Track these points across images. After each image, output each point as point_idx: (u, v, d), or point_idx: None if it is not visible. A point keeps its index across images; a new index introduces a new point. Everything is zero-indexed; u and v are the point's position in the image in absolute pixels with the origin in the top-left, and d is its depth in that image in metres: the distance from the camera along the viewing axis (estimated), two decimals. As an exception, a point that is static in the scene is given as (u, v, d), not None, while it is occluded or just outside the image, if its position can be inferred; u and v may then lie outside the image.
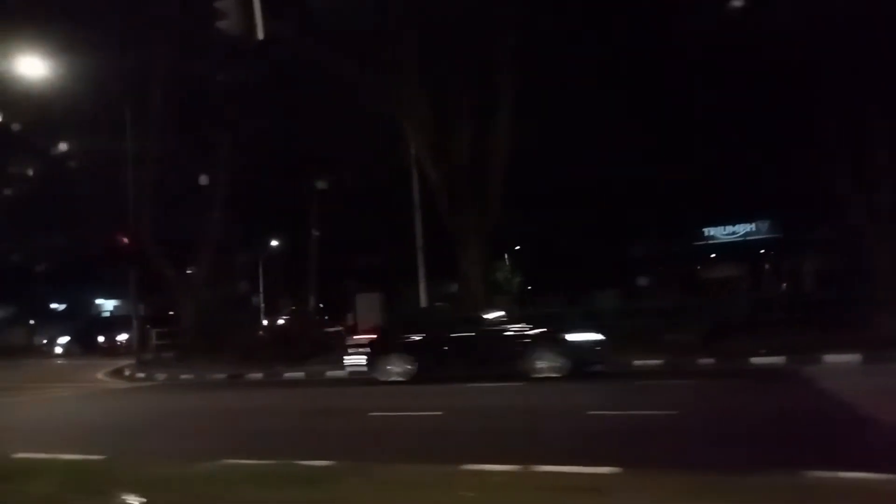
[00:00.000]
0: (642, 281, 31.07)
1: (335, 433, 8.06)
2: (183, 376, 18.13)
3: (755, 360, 13.20)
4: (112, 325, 29.12)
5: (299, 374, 16.31)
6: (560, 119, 20.21)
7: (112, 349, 26.65)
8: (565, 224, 28.13)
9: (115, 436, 8.70)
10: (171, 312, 26.00)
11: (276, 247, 24.33)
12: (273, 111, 19.84)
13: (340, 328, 20.39)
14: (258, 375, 16.76)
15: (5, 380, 19.00)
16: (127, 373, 19.93)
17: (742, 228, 33.92)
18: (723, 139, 26.84)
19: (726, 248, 34.08)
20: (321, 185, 22.09)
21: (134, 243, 20.70)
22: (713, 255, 34.71)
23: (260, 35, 12.99)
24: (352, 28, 17.12)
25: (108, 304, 45.02)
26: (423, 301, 16.43)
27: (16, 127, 22.25)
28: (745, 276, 33.28)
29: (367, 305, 18.05)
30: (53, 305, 45.63)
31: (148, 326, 24.17)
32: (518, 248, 33.43)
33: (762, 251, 33.58)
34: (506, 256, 35.13)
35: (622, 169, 26.74)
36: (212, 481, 4.63)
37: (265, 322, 23.63)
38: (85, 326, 33.23)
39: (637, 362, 14.02)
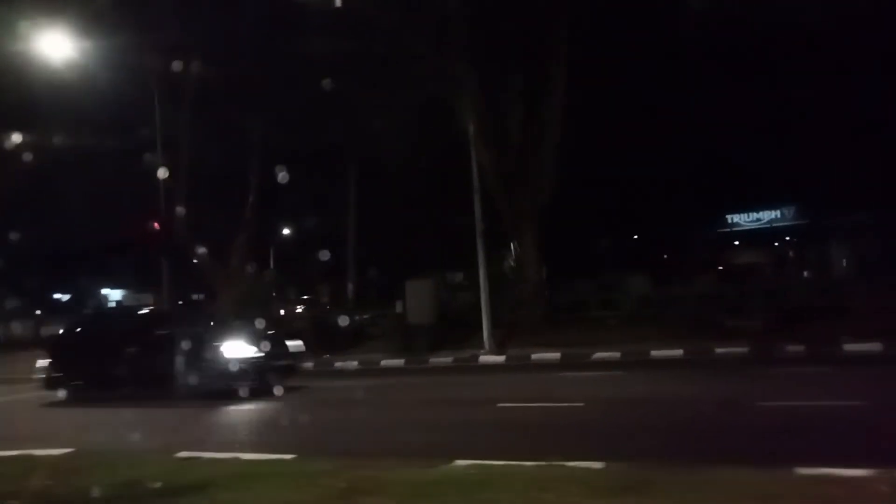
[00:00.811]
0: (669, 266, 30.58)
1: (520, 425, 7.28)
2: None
3: (849, 346, 12.68)
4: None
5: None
6: (595, 102, 19.75)
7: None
8: (589, 208, 27.57)
9: (278, 432, 8.06)
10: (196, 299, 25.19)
11: (314, 233, 23.55)
12: (313, 94, 19.00)
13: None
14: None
15: (21, 371, 18.18)
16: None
17: (767, 215, 33.51)
18: (749, 125, 26.66)
19: (750, 236, 33.69)
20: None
21: (165, 230, 19.89)
22: (737, 242, 34.31)
23: (338, 1, 12.37)
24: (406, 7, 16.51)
25: (113, 295, 43.92)
26: (483, 288, 15.75)
27: (34, 111, 21.38)
28: (769, 263, 32.90)
29: (418, 293, 17.35)
30: (57, 296, 44.45)
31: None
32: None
33: (787, 238, 33.22)
34: (512, 245, 34.64)
35: (648, 154, 26.48)
36: (484, 485, 3.89)
37: (298, 309, 22.81)
38: (92, 318, 32.17)
39: (719, 350, 13.49)
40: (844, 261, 28.90)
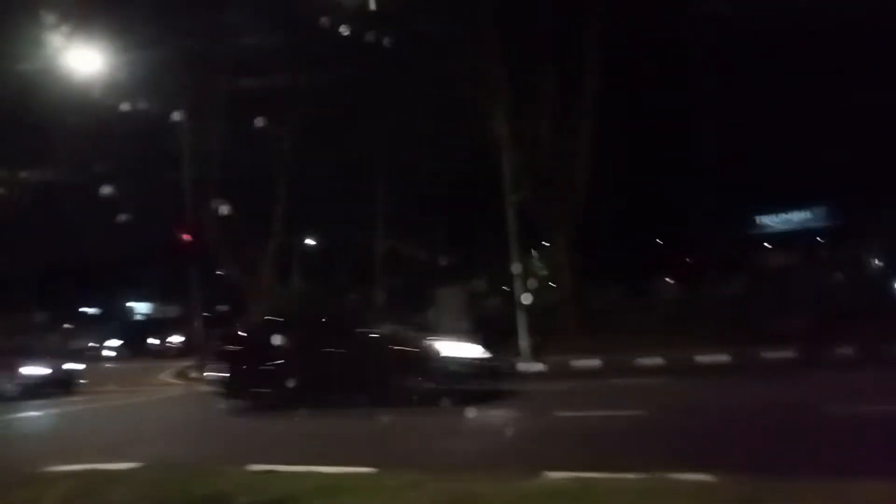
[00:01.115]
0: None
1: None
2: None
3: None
4: (163, 327, 28.28)
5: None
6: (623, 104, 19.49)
7: (164, 352, 25.81)
8: (617, 211, 27.27)
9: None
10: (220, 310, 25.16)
11: (342, 240, 23.47)
12: (340, 100, 18.95)
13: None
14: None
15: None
16: (193, 375, 19.16)
17: (797, 216, 32.93)
18: (779, 124, 26.22)
19: (780, 237, 33.08)
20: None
21: (196, 241, 19.87)
22: (766, 244, 33.70)
23: (373, 5, 12.25)
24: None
25: (140, 307, 44.23)
26: (518, 294, 15.49)
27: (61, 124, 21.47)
28: (801, 265, 32.25)
29: (450, 301, 17.14)
30: (83, 309, 44.80)
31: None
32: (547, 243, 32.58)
33: (818, 239, 32.58)
34: (532, 251, 34.35)
35: (675, 155, 26.15)
36: (590, 500, 3.60)
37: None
38: (134, 329, 32.41)
39: (766, 354, 13.11)
40: (877, 261, 28.27)
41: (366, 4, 12.12)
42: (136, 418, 11.97)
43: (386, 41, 16.76)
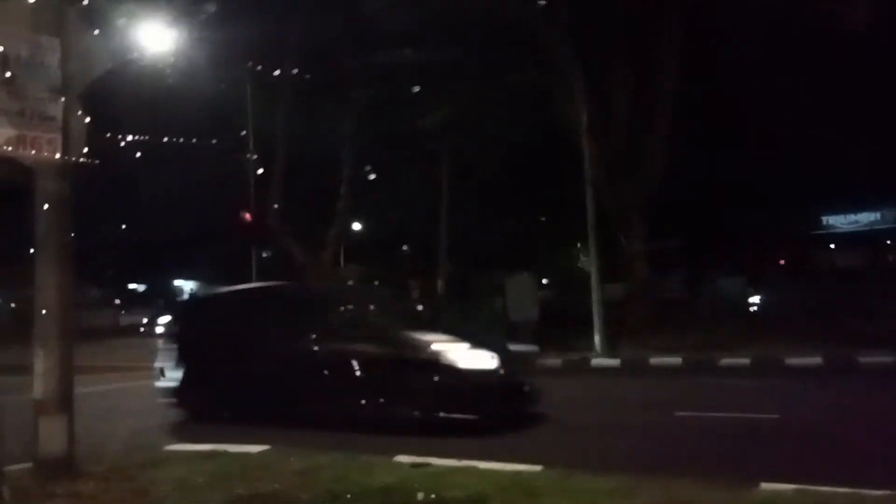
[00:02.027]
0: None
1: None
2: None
3: None
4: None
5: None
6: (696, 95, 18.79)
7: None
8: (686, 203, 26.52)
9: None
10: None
11: (403, 226, 23.18)
12: (408, 84, 18.54)
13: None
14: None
15: (127, 359, 18.19)
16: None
17: (865, 217, 31.77)
18: (848, 123, 25.18)
19: (847, 238, 31.96)
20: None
21: (258, 221, 19.74)
22: (832, 245, 32.60)
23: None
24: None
25: (186, 286, 44.59)
26: (595, 286, 14.94)
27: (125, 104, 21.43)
28: (876, 266, 31.12)
29: (520, 289, 16.67)
30: (133, 286, 45.35)
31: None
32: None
33: (888, 241, 31.40)
34: (578, 245, 33.71)
35: (743, 151, 25.38)
36: None
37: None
38: (185, 306, 32.52)
39: (865, 359, 12.39)
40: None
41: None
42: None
43: (452, 27, 16.39)
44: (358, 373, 7.40)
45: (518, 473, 4.49)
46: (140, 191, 32.18)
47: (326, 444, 5.87)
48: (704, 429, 7.06)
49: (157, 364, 9.24)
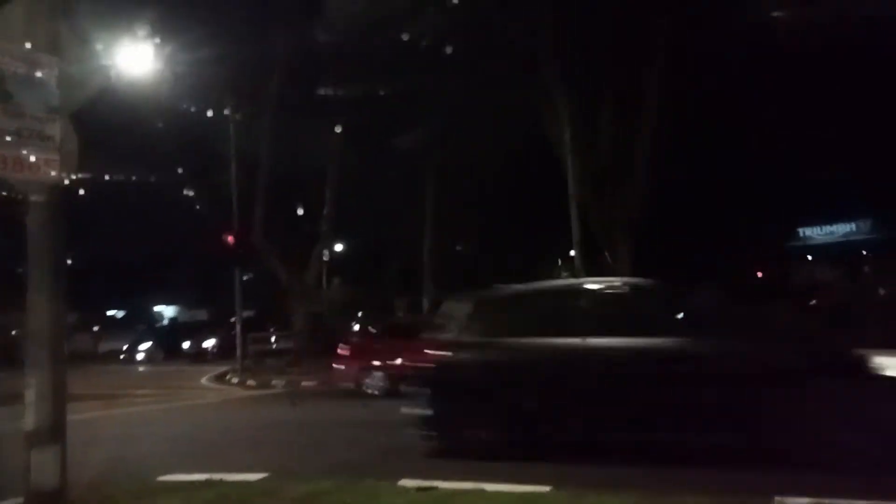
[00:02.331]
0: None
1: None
2: (305, 383, 16.81)
3: None
4: (197, 330, 27.93)
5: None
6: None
7: (199, 355, 25.41)
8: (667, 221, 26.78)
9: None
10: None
11: (390, 243, 23.09)
12: (392, 102, 18.58)
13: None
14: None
15: (109, 386, 17.82)
16: (234, 379, 18.74)
17: (841, 228, 32.25)
18: (822, 136, 25.66)
19: (823, 249, 32.41)
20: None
21: (241, 243, 19.55)
22: (809, 257, 33.02)
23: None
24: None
25: (168, 311, 43.98)
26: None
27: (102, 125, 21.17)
28: (842, 279, 31.53)
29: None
30: (111, 312, 44.59)
31: (233, 332, 22.83)
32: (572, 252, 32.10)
33: (864, 252, 31.85)
34: (559, 261, 33.84)
35: (719, 165, 25.74)
36: None
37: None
38: (167, 332, 32.08)
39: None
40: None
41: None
42: (195, 423, 11.52)
43: (435, 46, 16.47)
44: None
45: (526, 495, 4.40)
46: (119, 214, 31.87)
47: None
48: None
49: (411, 389, 7.34)
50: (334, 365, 14.48)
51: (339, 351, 14.47)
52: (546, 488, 4.59)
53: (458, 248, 21.63)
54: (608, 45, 16.91)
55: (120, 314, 44.61)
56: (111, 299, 44.39)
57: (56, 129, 4.08)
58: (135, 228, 33.87)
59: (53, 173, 4.09)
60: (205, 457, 6.97)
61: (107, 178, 24.73)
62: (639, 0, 16.01)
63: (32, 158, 3.97)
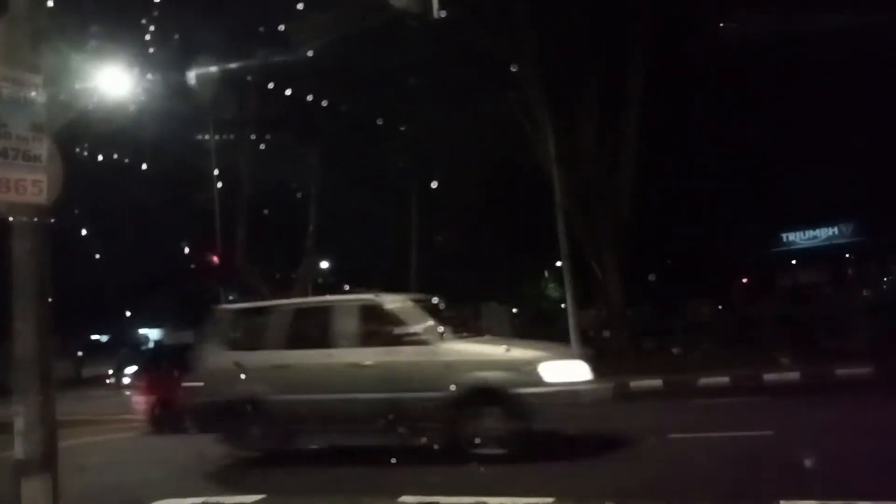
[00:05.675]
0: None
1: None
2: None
3: None
4: (182, 353, 27.46)
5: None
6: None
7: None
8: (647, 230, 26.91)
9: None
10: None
11: (378, 261, 22.99)
12: (375, 117, 18.57)
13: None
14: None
15: (96, 412, 17.58)
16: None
17: (824, 233, 32.55)
18: (804, 141, 26.01)
19: (807, 254, 32.68)
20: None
21: (225, 263, 19.39)
22: (793, 261, 33.27)
23: (436, 13, 11.82)
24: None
25: (152, 334, 43.38)
26: (572, 313, 14.94)
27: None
28: (827, 283, 31.81)
29: (496, 315, 16.63)
30: (95, 337, 43.94)
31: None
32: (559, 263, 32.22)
33: (847, 256, 32.17)
34: (545, 273, 33.89)
35: (700, 173, 25.99)
36: None
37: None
38: (152, 356, 31.60)
39: (840, 371, 12.53)
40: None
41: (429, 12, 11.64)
42: (188, 446, 11.33)
43: (420, 59, 16.49)
44: None
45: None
46: (101, 236, 31.51)
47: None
48: (704, 450, 6.99)
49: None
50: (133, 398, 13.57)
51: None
52: (549, 500, 4.54)
53: (444, 261, 21.52)
54: (588, 56, 17.05)
55: (104, 338, 43.97)
56: (94, 323, 43.78)
57: (43, 149, 4.01)
58: (118, 251, 33.49)
59: (40, 194, 4.02)
60: (200, 479, 6.83)
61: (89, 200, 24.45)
62: (617, 9, 16.12)
63: (19, 180, 3.90)
